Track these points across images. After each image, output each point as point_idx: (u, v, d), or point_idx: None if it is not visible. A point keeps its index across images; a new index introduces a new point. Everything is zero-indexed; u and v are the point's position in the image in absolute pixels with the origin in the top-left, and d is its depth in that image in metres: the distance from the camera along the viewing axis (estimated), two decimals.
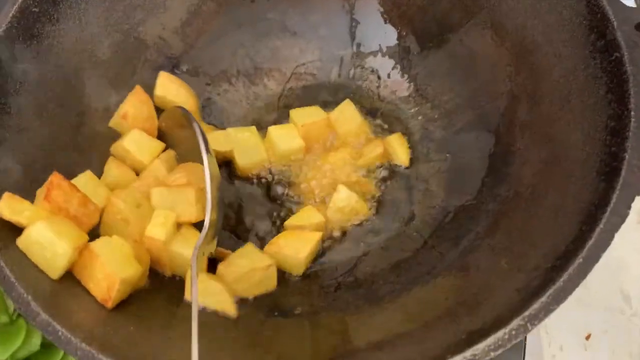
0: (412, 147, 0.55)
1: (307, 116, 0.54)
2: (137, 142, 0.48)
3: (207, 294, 0.42)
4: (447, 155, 0.53)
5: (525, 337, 0.55)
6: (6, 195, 0.39)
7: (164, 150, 0.50)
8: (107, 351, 0.33)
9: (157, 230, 0.43)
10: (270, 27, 0.58)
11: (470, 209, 0.48)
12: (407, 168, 0.54)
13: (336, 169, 0.53)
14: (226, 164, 0.54)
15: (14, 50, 0.45)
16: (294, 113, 0.55)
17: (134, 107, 0.49)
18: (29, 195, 0.41)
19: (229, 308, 0.43)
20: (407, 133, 0.55)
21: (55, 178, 0.41)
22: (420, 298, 0.42)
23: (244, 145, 0.53)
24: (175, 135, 0.50)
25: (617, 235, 0.34)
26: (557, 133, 0.44)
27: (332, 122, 0.54)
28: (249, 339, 0.41)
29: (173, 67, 0.54)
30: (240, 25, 0.57)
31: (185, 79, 0.54)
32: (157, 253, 0.44)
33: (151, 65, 0.52)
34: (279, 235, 0.49)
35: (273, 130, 0.53)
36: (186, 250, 0.43)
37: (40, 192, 0.41)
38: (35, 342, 0.43)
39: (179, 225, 0.45)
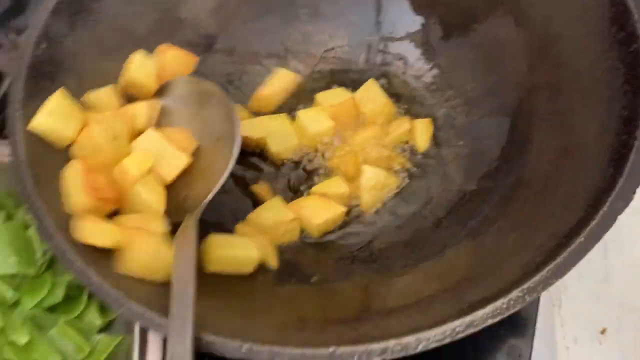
0: (434, 132, 0.56)
1: (333, 98, 0.56)
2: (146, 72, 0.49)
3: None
4: (467, 141, 0.54)
5: (535, 327, 0.55)
6: None
7: None
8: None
9: (133, 165, 0.43)
10: (302, 13, 0.61)
11: (484, 193, 0.49)
12: (423, 153, 0.55)
13: (366, 147, 0.55)
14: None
15: (62, 25, 0.48)
16: (320, 96, 0.57)
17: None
18: None
19: (272, 259, 0.46)
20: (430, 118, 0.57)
21: None
22: (429, 273, 0.44)
23: (277, 132, 0.55)
24: (181, 112, 0.50)
25: None
26: (574, 123, 0.45)
27: (357, 102, 0.56)
28: (266, 301, 0.44)
29: (207, 46, 0.57)
30: (272, 9, 0.60)
31: (218, 57, 0.57)
32: (122, 189, 0.44)
33: (187, 43, 0.54)
34: (304, 197, 0.52)
35: (302, 114, 0.55)
36: (150, 196, 0.44)
37: None
38: (59, 294, 0.46)
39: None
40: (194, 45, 0.55)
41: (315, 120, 0.55)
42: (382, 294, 0.44)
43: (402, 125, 0.55)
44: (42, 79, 0.46)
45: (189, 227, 0.41)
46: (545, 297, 0.66)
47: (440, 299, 0.39)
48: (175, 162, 0.46)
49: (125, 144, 0.45)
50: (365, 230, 0.51)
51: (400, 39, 0.60)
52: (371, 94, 0.56)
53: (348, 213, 0.52)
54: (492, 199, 0.48)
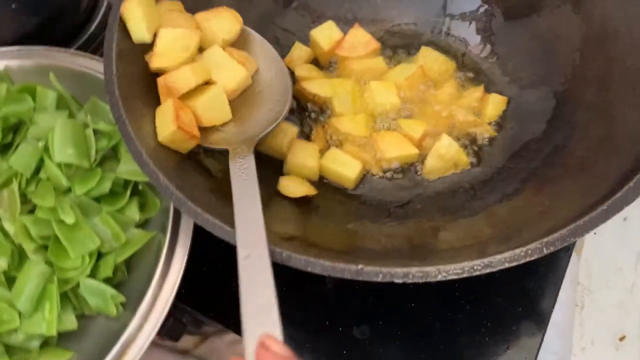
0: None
1: (403, 72, 0.60)
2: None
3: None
4: (514, 124, 0.57)
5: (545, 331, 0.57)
6: None
7: None
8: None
9: (193, 71, 0.49)
10: None
11: (521, 172, 0.52)
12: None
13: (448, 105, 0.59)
14: None
15: None
16: (392, 73, 0.60)
17: None
18: None
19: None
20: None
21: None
22: (457, 232, 0.48)
23: (343, 95, 0.59)
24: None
25: None
26: (617, 114, 0.48)
27: (419, 60, 0.60)
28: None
29: (287, 3, 0.63)
30: None
31: (293, 15, 0.62)
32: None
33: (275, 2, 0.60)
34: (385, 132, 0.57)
35: (374, 84, 0.59)
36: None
37: None
38: (106, 187, 0.51)
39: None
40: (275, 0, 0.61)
41: (385, 93, 0.59)
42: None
43: (477, 91, 0.59)
44: None
45: (249, 153, 0.46)
46: (568, 295, 0.68)
47: (466, 251, 0.42)
48: (234, 74, 0.52)
49: (194, 54, 0.51)
50: (408, 189, 0.56)
51: (464, 22, 0.63)
52: (431, 57, 0.60)
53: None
54: (528, 177, 0.51)
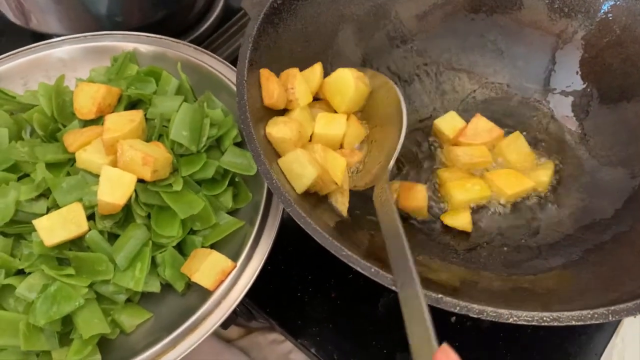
0: (560, 180, 0.63)
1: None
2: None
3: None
4: (586, 197, 0.60)
5: None
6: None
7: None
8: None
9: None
10: (478, 44, 0.70)
11: (588, 242, 0.55)
12: (545, 196, 0.62)
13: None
14: None
15: None
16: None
17: None
18: None
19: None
20: (558, 169, 0.64)
21: None
22: (519, 288, 0.51)
23: None
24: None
25: None
26: None
27: (502, 149, 0.64)
28: None
29: (400, 42, 0.68)
30: (457, 33, 0.69)
31: (401, 54, 0.68)
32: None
33: (386, 34, 0.66)
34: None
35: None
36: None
37: None
38: (210, 171, 0.56)
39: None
40: (391, 38, 0.67)
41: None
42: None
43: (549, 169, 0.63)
44: (270, 25, 0.58)
45: (385, 188, 0.51)
46: None
47: (529, 303, 0.46)
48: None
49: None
50: (475, 234, 0.59)
51: (557, 94, 0.67)
52: (517, 145, 0.64)
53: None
54: (594, 248, 0.54)
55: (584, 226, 0.58)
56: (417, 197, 0.60)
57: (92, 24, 0.74)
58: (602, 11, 0.63)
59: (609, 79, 0.63)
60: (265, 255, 0.53)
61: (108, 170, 0.51)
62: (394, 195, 0.60)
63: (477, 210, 0.61)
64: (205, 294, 0.51)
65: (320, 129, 0.56)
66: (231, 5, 0.91)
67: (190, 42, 0.84)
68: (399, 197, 0.61)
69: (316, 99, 0.60)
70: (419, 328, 0.38)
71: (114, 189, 0.50)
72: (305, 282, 0.64)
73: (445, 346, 0.35)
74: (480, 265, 0.55)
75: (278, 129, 0.52)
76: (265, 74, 0.55)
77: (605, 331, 0.61)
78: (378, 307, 0.63)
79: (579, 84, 0.66)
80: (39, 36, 0.78)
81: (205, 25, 0.87)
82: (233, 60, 0.58)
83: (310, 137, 0.57)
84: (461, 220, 0.59)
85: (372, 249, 0.50)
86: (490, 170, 0.63)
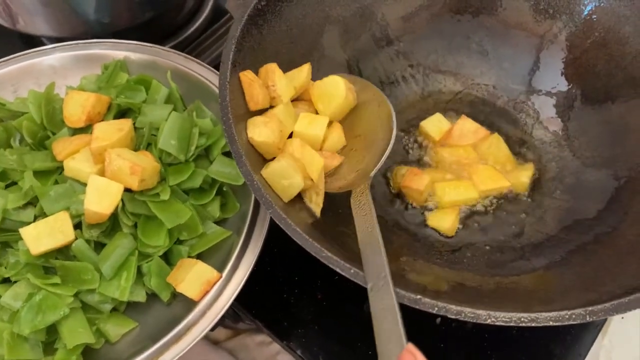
0: (542, 182, 0.63)
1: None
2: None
3: None
4: (570, 198, 0.61)
5: None
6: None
7: None
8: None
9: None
10: (464, 45, 0.70)
11: (571, 243, 0.56)
12: (529, 196, 0.62)
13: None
14: None
15: None
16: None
17: None
18: None
19: None
20: (543, 170, 0.64)
21: None
22: (501, 288, 0.51)
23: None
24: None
25: None
26: None
27: (482, 151, 0.64)
28: None
29: (387, 43, 0.68)
30: (442, 34, 0.69)
31: (387, 56, 0.68)
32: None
33: (372, 35, 0.66)
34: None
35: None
36: None
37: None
38: (197, 181, 0.56)
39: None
40: (376, 39, 0.67)
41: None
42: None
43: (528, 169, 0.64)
44: (254, 27, 0.58)
45: (366, 191, 0.51)
46: None
47: (510, 304, 0.46)
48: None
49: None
50: (457, 238, 0.59)
51: (541, 95, 0.67)
52: (494, 149, 0.65)
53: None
54: (577, 248, 0.54)
55: (567, 227, 0.58)
56: (421, 182, 0.61)
57: (80, 26, 0.74)
58: (586, 12, 0.63)
59: (593, 80, 0.64)
60: (252, 266, 0.53)
61: (95, 180, 0.51)
62: (398, 180, 0.62)
63: (463, 211, 0.62)
64: (191, 303, 0.51)
65: (302, 128, 0.56)
66: (220, 7, 0.91)
67: (179, 43, 0.85)
68: (403, 179, 0.62)
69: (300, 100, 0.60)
70: (389, 327, 0.38)
71: (101, 198, 0.50)
72: (291, 283, 0.64)
73: (410, 346, 0.35)
74: (464, 266, 0.55)
75: (259, 132, 0.52)
76: (247, 77, 0.55)
77: (590, 332, 0.61)
78: (364, 308, 0.63)
79: (563, 85, 0.66)
80: (26, 37, 0.78)
81: (194, 27, 0.87)
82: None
83: (290, 134, 0.57)
84: (446, 224, 0.59)
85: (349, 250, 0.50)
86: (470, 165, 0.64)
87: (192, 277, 0.50)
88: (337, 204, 0.54)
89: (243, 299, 0.62)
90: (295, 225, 0.44)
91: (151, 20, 0.79)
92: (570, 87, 0.66)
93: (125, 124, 0.56)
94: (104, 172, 0.52)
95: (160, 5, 0.77)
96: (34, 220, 0.53)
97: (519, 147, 0.66)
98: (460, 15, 0.69)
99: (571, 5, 0.64)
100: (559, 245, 0.56)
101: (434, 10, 0.68)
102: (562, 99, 0.66)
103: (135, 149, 0.57)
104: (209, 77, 0.64)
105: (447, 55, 0.70)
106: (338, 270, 0.43)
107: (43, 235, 0.50)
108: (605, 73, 0.63)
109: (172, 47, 0.80)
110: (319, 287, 0.64)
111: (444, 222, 0.60)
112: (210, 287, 0.51)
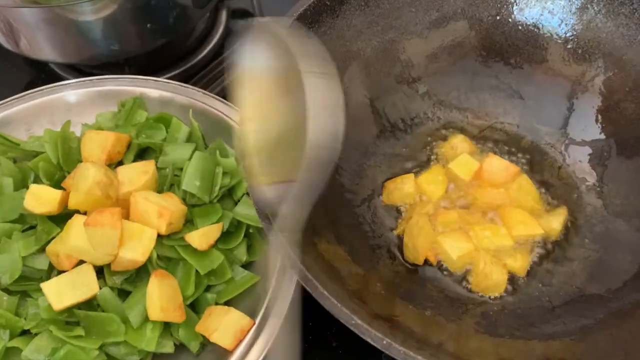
0: (572, 230, 0.60)
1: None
2: None
3: None
4: (600, 248, 0.58)
5: None
6: None
7: None
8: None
9: None
10: (487, 83, 0.68)
11: (604, 300, 0.53)
12: (557, 245, 0.60)
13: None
14: None
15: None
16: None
17: None
18: None
19: None
20: (571, 217, 0.61)
21: None
22: (534, 349, 0.49)
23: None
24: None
25: None
26: None
27: (511, 194, 0.62)
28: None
29: (410, 82, 0.66)
30: (466, 71, 0.67)
31: (409, 93, 0.66)
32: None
33: (395, 74, 0.65)
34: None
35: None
36: None
37: None
38: (226, 224, 0.54)
39: None
40: (399, 77, 0.65)
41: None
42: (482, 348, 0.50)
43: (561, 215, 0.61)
44: None
45: None
46: None
47: None
48: None
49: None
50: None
51: (570, 138, 0.65)
52: (525, 189, 0.62)
53: None
54: (611, 307, 0.52)
55: (598, 280, 0.55)
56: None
57: (87, 51, 0.72)
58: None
59: (627, 126, 0.61)
60: (285, 311, 0.50)
61: (129, 225, 0.49)
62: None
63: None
64: (222, 354, 0.49)
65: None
66: (231, 32, 0.89)
67: (189, 68, 0.82)
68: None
69: None
70: None
71: (136, 245, 0.48)
72: (304, 329, 0.62)
73: None
74: (488, 324, 0.53)
75: None
76: None
77: None
78: (382, 357, 0.61)
79: (595, 132, 0.64)
80: (30, 61, 0.75)
81: (204, 52, 0.85)
82: None
83: None
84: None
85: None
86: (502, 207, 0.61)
87: (225, 326, 0.48)
88: None
89: None
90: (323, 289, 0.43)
91: (162, 48, 0.76)
92: (602, 132, 0.63)
93: (150, 166, 0.55)
94: (128, 216, 0.50)
95: (172, 32, 0.75)
96: (49, 268, 0.51)
97: (545, 189, 0.64)
98: (487, 54, 0.67)
99: (607, 49, 0.62)
100: (591, 302, 0.53)
101: (460, 50, 0.67)
102: (593, 143, 0.64)
103: (159, 190, 0.55)
104: (230, 114, 0.62)
105: (468, 92, 0.68)
106: (369, 340, 0.42)
107: (65, 290, 0.48)
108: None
109: (180, 74, 0.79)
110: (334, 334, 0.62)
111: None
112: (244, 336, 0.49)
